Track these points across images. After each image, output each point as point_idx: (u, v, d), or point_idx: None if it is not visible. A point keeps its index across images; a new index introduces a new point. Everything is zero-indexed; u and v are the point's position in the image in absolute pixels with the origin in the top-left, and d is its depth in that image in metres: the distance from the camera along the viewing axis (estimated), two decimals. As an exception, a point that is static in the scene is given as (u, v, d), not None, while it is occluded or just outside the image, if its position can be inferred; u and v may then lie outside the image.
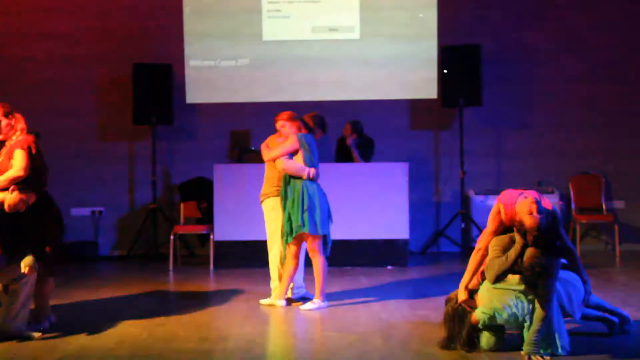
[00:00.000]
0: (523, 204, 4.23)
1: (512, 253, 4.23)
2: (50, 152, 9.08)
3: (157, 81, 8.81)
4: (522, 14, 9.22)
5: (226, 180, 7.92)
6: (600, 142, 9.16)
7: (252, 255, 7.54)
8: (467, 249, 8.55)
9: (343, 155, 8.37)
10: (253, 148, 8.40)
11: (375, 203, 7.81)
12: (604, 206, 8.98)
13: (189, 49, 9.21)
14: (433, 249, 9.06)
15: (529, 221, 4.17)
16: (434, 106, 9.07)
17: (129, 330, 5.13)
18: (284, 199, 5.79)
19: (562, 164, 9.06)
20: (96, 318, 5.54)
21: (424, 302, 6.00)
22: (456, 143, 8.90)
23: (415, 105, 9.25)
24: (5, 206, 4.78)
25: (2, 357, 4.48)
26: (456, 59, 8.69)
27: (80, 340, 4.86)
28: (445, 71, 8.72)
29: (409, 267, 7.80)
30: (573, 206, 8.92)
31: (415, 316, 5.48)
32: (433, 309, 5.65)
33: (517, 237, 4.24)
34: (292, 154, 5.82)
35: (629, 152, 9.15)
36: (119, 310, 5.85)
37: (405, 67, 9.17)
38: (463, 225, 8.77)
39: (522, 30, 9.19)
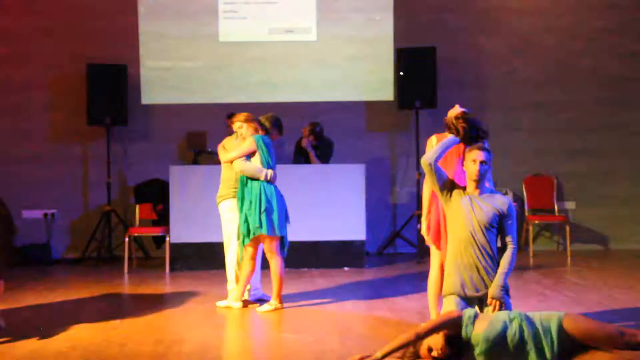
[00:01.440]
0: (452, 112, 4.76)
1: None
2: (0, 152, 8.99)
3: (111, 81, 8.68)
4: (477, 18, 9.36)
5: (182, 182, 7.85)
6: (553, 144, 9.34)
7: (208, 257, 7.50)
8: (423, 249, 8.62)
9: (301, 156, 8.38)
10: (209, 150, 8.35)
11: (332, 204, 7.83)
12: (555, 207, 9.16)
13: (144, 49, 9.11)
14: (389, 250, 9.12)
15: (455, 113, 4.72)
16: (390, 108, 9.13)
17: (82, 334, 5.05)
18: (241, 200, 5.77)
19: (515, 165, 9.21)
20: (48, 322, 5.44)
21: (381, 302, 6.04)
22: (412, 144, 8.98)
23: (371, 107, 9.31)
24: None
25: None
26: (412, 61, 8.77)
27: (31, 345, 4.76)
28: (401, 73, 8.79)
29: (365, 268, 7.83)
30: (526, 207, 9.08)
31: (372, 317, 5.51)
32: (389, 310, 5.70)
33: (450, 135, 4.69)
34: (249, 156, 5.80)
35: (580, 153, 9.35)
36: (72, 313, 5.75)
37: (362, 68, 9.23)
38: (419, 227, 8.83)
39: (477, 33, 9.33)
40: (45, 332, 5.05)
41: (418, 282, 6.79)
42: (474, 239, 4.40)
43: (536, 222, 8.96)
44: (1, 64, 8.99)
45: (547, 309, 5.66)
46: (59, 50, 9.04)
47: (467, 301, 4.44)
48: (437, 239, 4.87)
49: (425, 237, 4.99)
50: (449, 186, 4.55)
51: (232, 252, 5.99)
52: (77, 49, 9.00)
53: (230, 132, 8.52)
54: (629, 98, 9.36)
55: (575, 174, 9.33)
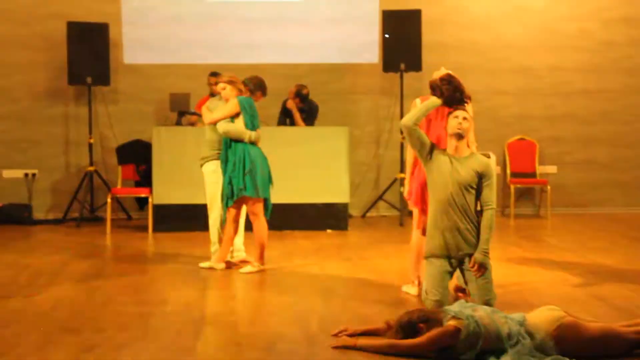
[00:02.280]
0: (437, 73, 4.82)
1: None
2: (-20, 112, 8.85)
3: (93, 40, 8.54)
4: (463, -20, 9.30)
5: (165, 143, 7.81)
6: (535, 108, 9.38)
7: (191, 219, 7.49)
8: (406, 213, 8.68)
9: (286, 117, 8.35)
10: (193, 111, 8.28)
11: (315, 167, 7.83)
12: (537, 171, 9.24)
13: (126, 7, 8.97)
14: (373, 213, 9.17)
15: (440, 74, 4.75)
16: (375, 70, 9.09)
17: (65, 294, 5.05)
18: (225, 162, 5.76)
19: (499, 129, 9.25)
20: (31, 281, 5.44)
21: (363, 264, 6.09)
22: (397, 108, 8.97)
23: (356, 69, 9.26)
24: None
25: None
26: (397, 24, 8.71)
27: (14, 304, 4.77)
28: (386, 35, 8.74)
29: (348, 230, 7.88)
30: (508, 170, 9.15)
31: (354, 278, 5.56)
32: (372, 271, 5.75)
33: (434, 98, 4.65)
34: (233, 117, 5.77)
35: (562, 118, 9.40)
36: (54, 274, 5.75)
37: (347, 30, 9.15)
38: (402, 190, 8.88)
39: (463, -4, 9.29)
40: (29, 292, 5.05)
41: (400, 245, 6.84)
42: (454, 200, 4.42)
43: (518, 185, 9.05)
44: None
45: (526, 272, 5.75)
46: (39, 8, 8.88)
47: (448, 263, 4.48)
48: (419, 202, 4.89)
49: (408, 201, 5.01)
50: (429, 148, 4.55)
51: (216, 214, 5.99)
52: (58, 6, 8.85)
53: (213, 92, 8.50)
54: (611, 64, 9.38)
55: (557, 138, 9.39)
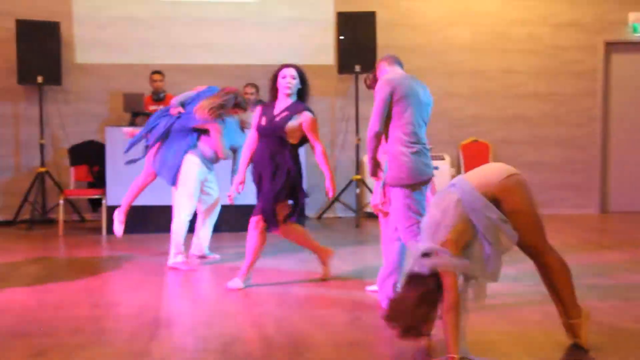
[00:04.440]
0: None
1: None
2: None
3: (43, 39, 8.39)
4: (417, -17, 9.40)
5: (119, 143, 7.69)
6: (488, 110, 9.53)
7: (145, 220, 7.41)
8: (361, 214, 8.74)
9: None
10: (146, 112, 8.19)
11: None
12: (490, 172, 9.37)
13: (78, 5, 8.83)
14: (329, 214, 9.19)
15: None
16: (330, 72, 9.13)
17: (15, 298, 4.95)
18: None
19: (453, 131, 9.38)
20: (-21, 286, 5.32)
21: (318, 265, 6.09)
22: (352, 109, 9.01)
23: (311, 71, 9.21)
24: None
25: None
26: (352, 26, 8.76)
27: (-38, 309, 4.65)
28: (341, 37, 8.77)
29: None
30: (463, 172, 9.27)
31: (310, 282, 5.56)
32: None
33: None
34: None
35: (514, 120, 9.57)
36: (5, 277, 5.63)
37: (302, 32, 9.18)
38: (358, 191, 8.93)
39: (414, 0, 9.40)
40: (-24, 296, 4.93)
41: (356, 246, 6.88)
42: None
43: (471, 187, 9.17)
44: None
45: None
46: (-12, 5, 8.69)
47: None
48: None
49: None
50: None
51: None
52: (5, 4, 8.67)
53: (155, 90, 8.50)
54: (561, 67, 9.59)
55: (509, 140, 9.56)
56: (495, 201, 3.63)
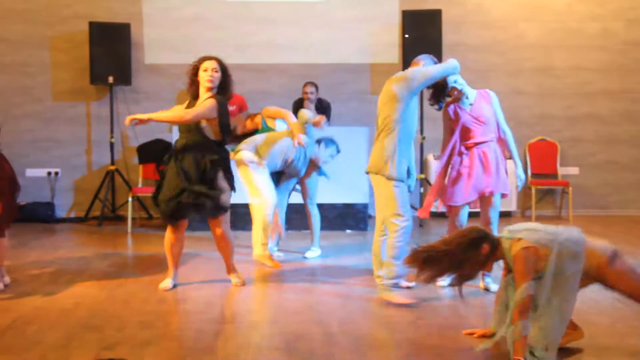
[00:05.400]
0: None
1: None
2: (3, 111, 8.96)
3: (114, 40, 8.63)
4: (484, -20, 9.26)
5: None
6: (556, 108, 9.31)
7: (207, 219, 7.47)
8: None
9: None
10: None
11: (335, 167, 7.80)
12: (559, 172, 9.17)
13: (148, 7, 9.03)
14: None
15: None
16: (394, 70, 9.05)
17: (86, 292, 5.10)
18: None
19: (520, 130, 9.19)
20: (52, 279, 5.49)
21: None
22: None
23: (376, 69, 9.25)
24: None
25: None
26: (417, 24, 8.69)
27: (36, 302, 4.81)
28: (406, 36, 8.72)
29: (368, 230, 7.86)
30: (530, 172, 9.09)
31: (374, 280, 5.54)
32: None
33: None
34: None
35: (583, 118, 9.32)
36: (76, 271, 5.80)
37: (367, 30, 9.15)
38: (422, 190, 8.86)
39: (484, -4, 9.25)
40: (50, 290, 5.10)
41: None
42: None
43: (539, 187, 8.99)
44: (4, 22, 8.92)
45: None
46: (63, 9, 8.97)
47: None
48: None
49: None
50: None
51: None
52: (80, 7, 8.93)
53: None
54: (635, 64, 9.29)
55: (578, 139, 9.32)
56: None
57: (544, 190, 9.28)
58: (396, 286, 4.87)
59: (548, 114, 9.31)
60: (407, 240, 4.75)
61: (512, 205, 8.94)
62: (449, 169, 5.18)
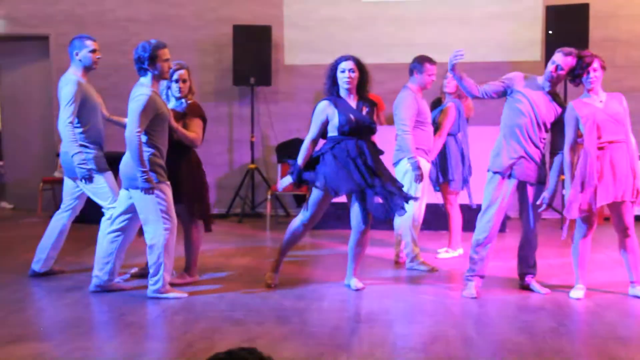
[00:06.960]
0: None
1: None
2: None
3: (256, 42, 8.91)
4: (636, -29, 8.74)
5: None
6: None
7: (338, 218, 7.51)
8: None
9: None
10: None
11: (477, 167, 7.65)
12: None
13: (288, 10, 9.25)
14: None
15: None
16: (537, 68, 8.76)
17: (228, 286, 5.30)
18: None
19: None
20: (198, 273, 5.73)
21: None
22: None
23: (517, 68, 8.95)
24: None
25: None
26: (562, 20, 8.34)
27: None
28: (550, 32, 8.39)
29: (505, 232, 7.65)
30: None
31: (511, 279, 5.38)
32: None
33: None
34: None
35: None
36: (220, 266, 6.04)
37: (508, 27, 8.90)
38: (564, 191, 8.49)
39: (635, -12, 8.73)
40: (194, 283, 5.35)
41: (562, 248, 6.54)
42: None
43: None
44: (152, 26, 9.43)
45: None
46: (208, 14, 9.37)
47: None
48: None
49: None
50: None
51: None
52: (225, 11, 9.29)
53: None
54: None
55: None
56: None
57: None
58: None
59: None
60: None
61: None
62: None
